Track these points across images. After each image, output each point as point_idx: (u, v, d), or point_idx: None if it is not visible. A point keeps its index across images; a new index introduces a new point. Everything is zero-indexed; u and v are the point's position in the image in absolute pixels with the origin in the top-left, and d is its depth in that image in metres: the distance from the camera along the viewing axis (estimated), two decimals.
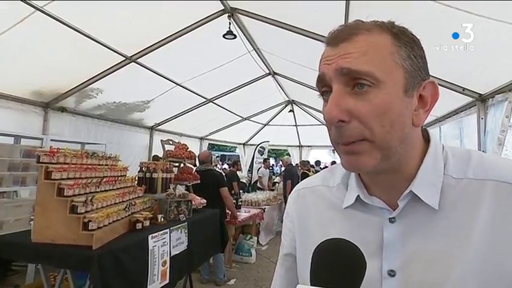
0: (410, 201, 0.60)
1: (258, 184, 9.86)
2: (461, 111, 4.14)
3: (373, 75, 0.55)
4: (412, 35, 0.60)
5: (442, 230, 0.58)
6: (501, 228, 0.55)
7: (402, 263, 0.59)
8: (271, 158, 16.37)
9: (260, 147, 10.90)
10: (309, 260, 0.55)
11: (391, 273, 0.60)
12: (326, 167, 9.33)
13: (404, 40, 0.58)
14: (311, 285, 0.51)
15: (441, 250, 0.57)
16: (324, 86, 0.60)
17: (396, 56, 0.57)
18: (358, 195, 0.65)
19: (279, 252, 0.82)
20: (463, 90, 3.65)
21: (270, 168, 11.88)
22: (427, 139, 0.65)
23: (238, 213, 5.80)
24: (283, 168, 10.37)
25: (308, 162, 9.83)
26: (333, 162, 10.42)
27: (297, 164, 10.17)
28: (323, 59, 0.60)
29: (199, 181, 4.18)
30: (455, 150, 0.65)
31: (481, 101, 3.60)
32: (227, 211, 4.91)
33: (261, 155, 10.86)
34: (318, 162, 10.73)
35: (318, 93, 0.63)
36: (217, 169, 4.98)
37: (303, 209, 0.77)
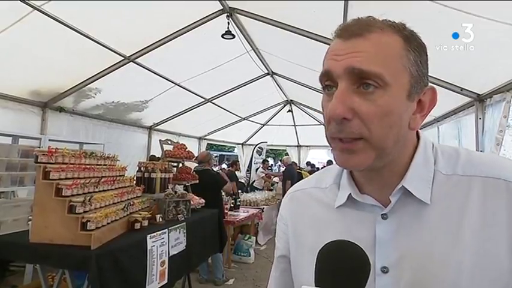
0: (402, 197, 0.61)
1: (255, 184, 9.85)
2: (460, 111, 4.15)
3: (383, 78, 0.54)
4: (420, 40, 0.60)
5: (433, 226, 0.59)
6: (490, 223, 0.56)
7: (395, 259, 0.60)
8: (269, 158, 16.39)
9: (258, 147, 10.95)
10: (304, 261, 0.55)
11: (384, 270, 0.60)
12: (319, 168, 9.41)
13: (414, 45, 0.58)
14: (316, 286, 0.51)
15: (432, 246, 0.58)
16: (328, 80, 0.60)
17: (405, 60, 0.57)
18: (350, 194, 0.66)
19: (274, 255, 0.83)
20: (461, 90, 3.65)
21: (269, 168, 11.89)
22: (417, 137, 0.66)
23: (236, 213, 5.81)
24: (282, 168, 10.36)
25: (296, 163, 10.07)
26: (329, 162, 10.48)
27: None
28: (331, 52, 0.59)
29: (197, 181, 4.18)
30: (445, 148, 0.66)
31: (479, 101, 3.61)
32: (225, 211, 4.91)
33: (259, 155, 10.90)
34: (308, 163, 10.83)
35: (320, 85, 0.62)
36: (214, 169, 4.98)
37: (296, 211, 0.77)
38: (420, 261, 0.58)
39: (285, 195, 0.83)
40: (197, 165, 4.88)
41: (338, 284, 0.49)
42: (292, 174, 7.88)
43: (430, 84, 0.62)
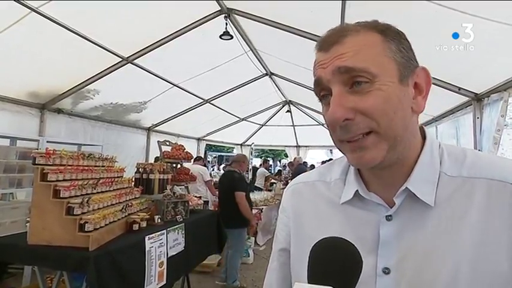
0: (407, 199, 0.61)
1: (257, 183, 9.88)
2: (458, 111, 4.16)
3: (369, 71, 0.56)
4: (397, 29, 0.63)
5: (436, 228, 0.59)
6: (492, 226, 0.56)
7: (397, 260, 0.60)
8: (269, 158, 16.45)
9: (250, 148, 11.52)
10: (304, 255, 0.55)
11: (386, 271, 0.60)
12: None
13: (391, 35, 0.61)
14: (308, 282, 0.51)
15: (434, 248, 0.58)
16: (322, 90, 0.62)
17: (387, 51, 0.59)
18: (357, 190, 0.66)
19: (273, 247, 0.82)
20: (459, 89, 3.66)
21: (269, 168, 11.97)
22: (424, 137, 0.66)
23: None
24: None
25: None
26: (323, 162, 10.60)
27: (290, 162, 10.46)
28: (317, 64, 0.62)
29: (194, 181, 4.18)
30: (451, 149, 0.66)
31: (477, 100, 3.62)
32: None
33: (251, 155, 11.48)
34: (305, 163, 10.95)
35: (317, 98, 0.64)
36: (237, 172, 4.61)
37: (299, 204, 0.77)
38: (421, 263, 0.58)
39: (287, 187, 0.83)
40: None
41: (329, 281, 0.49)
42: (299, 174, 7.89)
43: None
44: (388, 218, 0.62)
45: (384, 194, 0.64)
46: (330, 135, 0.63)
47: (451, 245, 0.57)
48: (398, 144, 0.59)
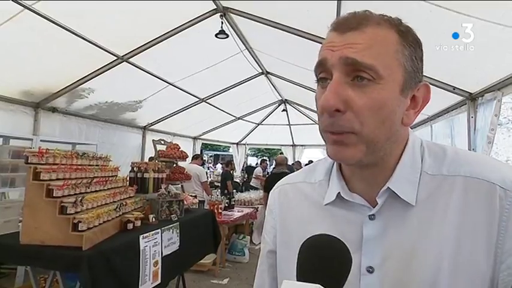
0: (389, 198, 0.61)
1: (252, 183, 9.87)
2: (452, 110, 4.19)
3: (376, 70, 0.54)
4: (416, 36, 0.61)
5: (417, 226, 0.59)
6: (469, 223, 0.56)
7: (380, 259, 0.60)
8: (265, 157, 16.49)
9: (245, 147, 11.88)
10: (289, 256, 0.55)
11: (370, 270, 0.61)
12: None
13: (410, 40, 0.59)
14: (297, 280, 0.51)
15: (415, 246, 0.58)
16: (322, 72, 0.59)
17: (400, 55, 0.57)
18: (339, 192, 0.66)
19: (261, 249, 0.82)
20: (454, 89, 3.69)
21: (267, 168, 12.01)
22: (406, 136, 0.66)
23: (230, 212, 5.79)
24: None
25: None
26: (310, 162, 10.62)
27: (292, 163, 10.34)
28: (327, 43, 0.59)
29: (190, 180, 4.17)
30: (432, 147, 0.66)
31: (471, 99, 3.64)
32: None
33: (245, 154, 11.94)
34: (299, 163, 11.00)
35: (315, 79, 0.62)
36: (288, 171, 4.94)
37: (285, 206, 0.77)
38: (404, 261, 0.58)
39: (274, 188, 0.83)
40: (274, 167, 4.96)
41: (318, 278, 0.48)
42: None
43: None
44: (371, 217, 0.62)
45: (367, 194, 0.64)
46: (318, 121, 0.61)
47: (432, 243, 0.57)
48: (378, 150, 0.59)
